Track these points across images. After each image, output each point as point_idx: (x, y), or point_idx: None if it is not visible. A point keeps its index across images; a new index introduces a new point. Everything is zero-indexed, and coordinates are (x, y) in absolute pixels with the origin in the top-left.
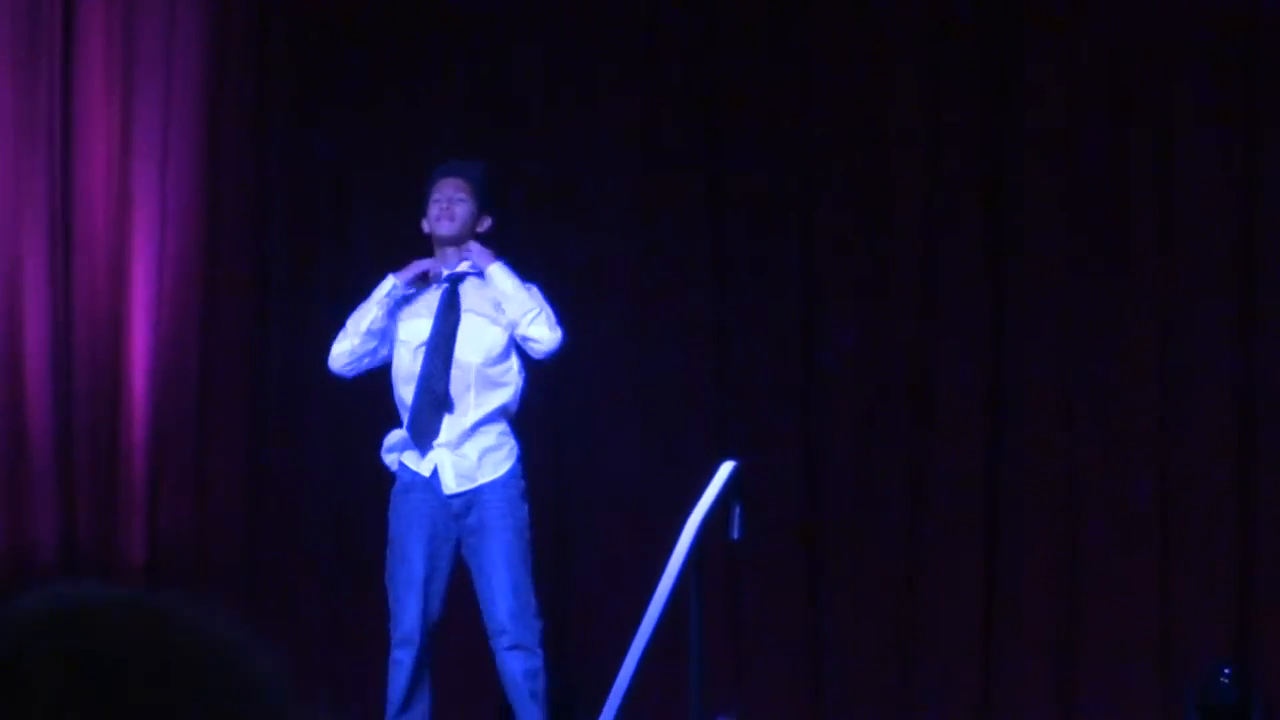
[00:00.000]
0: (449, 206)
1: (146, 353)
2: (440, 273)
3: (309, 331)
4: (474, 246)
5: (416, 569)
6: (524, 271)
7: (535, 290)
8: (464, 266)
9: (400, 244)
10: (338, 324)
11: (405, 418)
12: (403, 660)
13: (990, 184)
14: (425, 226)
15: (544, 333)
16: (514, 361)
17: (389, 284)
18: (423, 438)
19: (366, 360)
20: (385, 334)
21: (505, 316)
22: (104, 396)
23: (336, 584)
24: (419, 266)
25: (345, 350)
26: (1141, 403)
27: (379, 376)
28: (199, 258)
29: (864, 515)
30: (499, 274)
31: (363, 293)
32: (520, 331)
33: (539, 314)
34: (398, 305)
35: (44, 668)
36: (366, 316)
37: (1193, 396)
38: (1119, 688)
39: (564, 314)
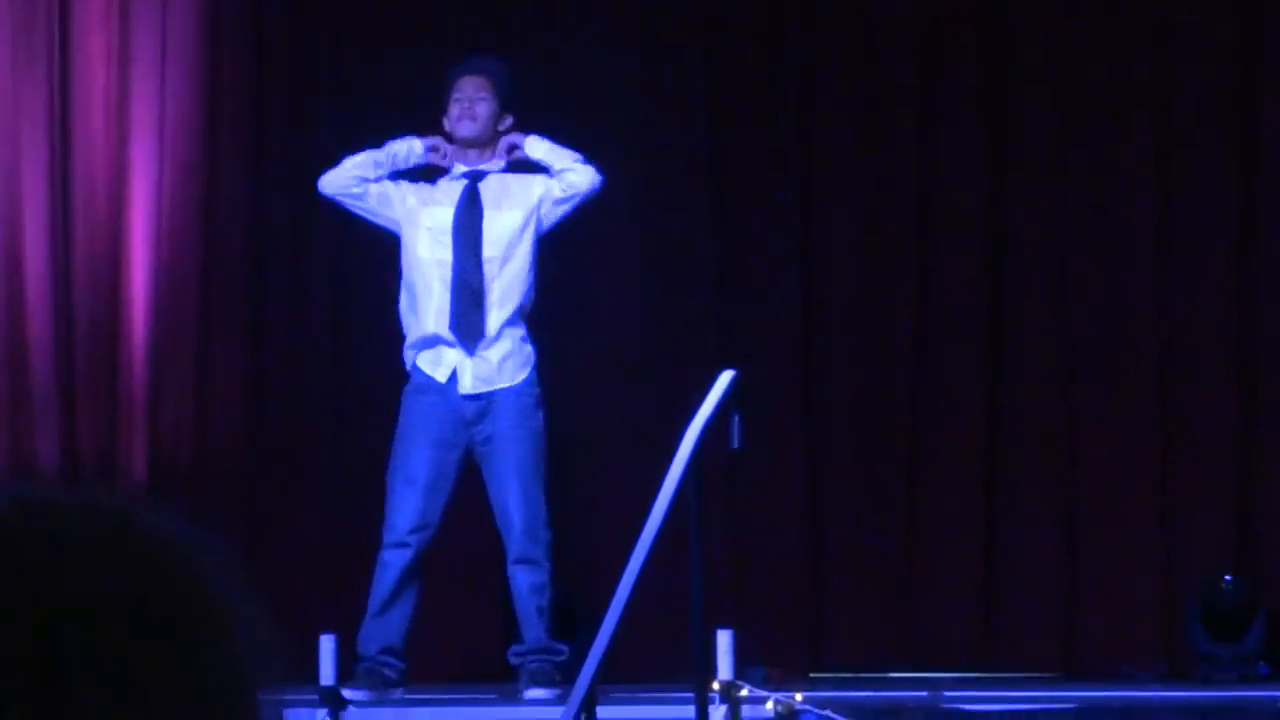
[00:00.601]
0: (470, 106)
1: (145, 263)
2: (455, 167)
3: (308, 238)
4: (503, 141)
5: (419, 472)
6: None
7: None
8: (488, 167)
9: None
10: (338, 237)
11: (415, 311)
12: (390, 562)
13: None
14: (446, 124)
15: (586, 171)
16: (530, 257)
17: (409, 145)
18: (468, 335)
19: (355, 190)
20: (380, 184)
21: (552, 170)
22: (103, 309)
23: (336, 491)
24: (443, 145)
25: (333, 177)
26: (1141, 315)
27: (377, 289)
28: (198, 162)
29: (863, 423)
30: (535, 143)
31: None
32: (576, 178)
33: (581, 159)
34: (411, 179)
35: None
36: (368, 156)
37: (1194, 311)
38: (1122, 595)
39: (568, 238)
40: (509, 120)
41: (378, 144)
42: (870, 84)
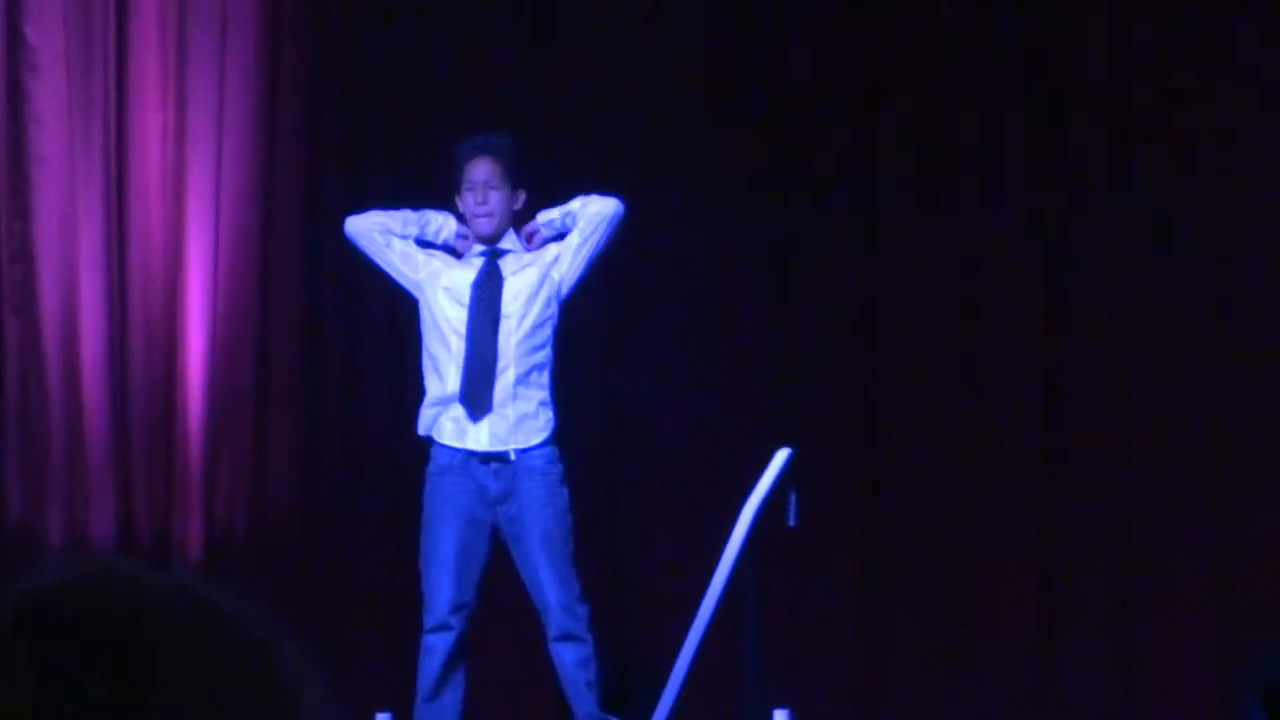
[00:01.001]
0: (484, 199)
1: (201, 338)
2: (474, 247)
3: (364, 320)
4: (521, 237)
5: (448, 552)
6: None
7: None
8: (506, 244)
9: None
10: (391, 309)
11: (438, 371)
12: (434, 646)
13: (1043, 182)
14: (458, 204)
15: (606, 203)
16: (547, 318)
17: (445, 222)
18: (476, 404)
19: (369, 246)
20: (404, 241)
21: (573, 224)
22: (158, 384)
23: (392, 570)
24: (471, 240)
25: (361, 221)
26: (1197, 387)
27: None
28: (253, 237)
29: (920, 501)
30: (545, 214)
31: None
32: (589, 211)
33: (588, 197)
34: (430, 244)
35: (52, 635)
36: (400, 214)
37: (1246, 388)
38: (1179, 688)
39: (619, 299)
40: (522, 198)
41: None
42: (930, 183)
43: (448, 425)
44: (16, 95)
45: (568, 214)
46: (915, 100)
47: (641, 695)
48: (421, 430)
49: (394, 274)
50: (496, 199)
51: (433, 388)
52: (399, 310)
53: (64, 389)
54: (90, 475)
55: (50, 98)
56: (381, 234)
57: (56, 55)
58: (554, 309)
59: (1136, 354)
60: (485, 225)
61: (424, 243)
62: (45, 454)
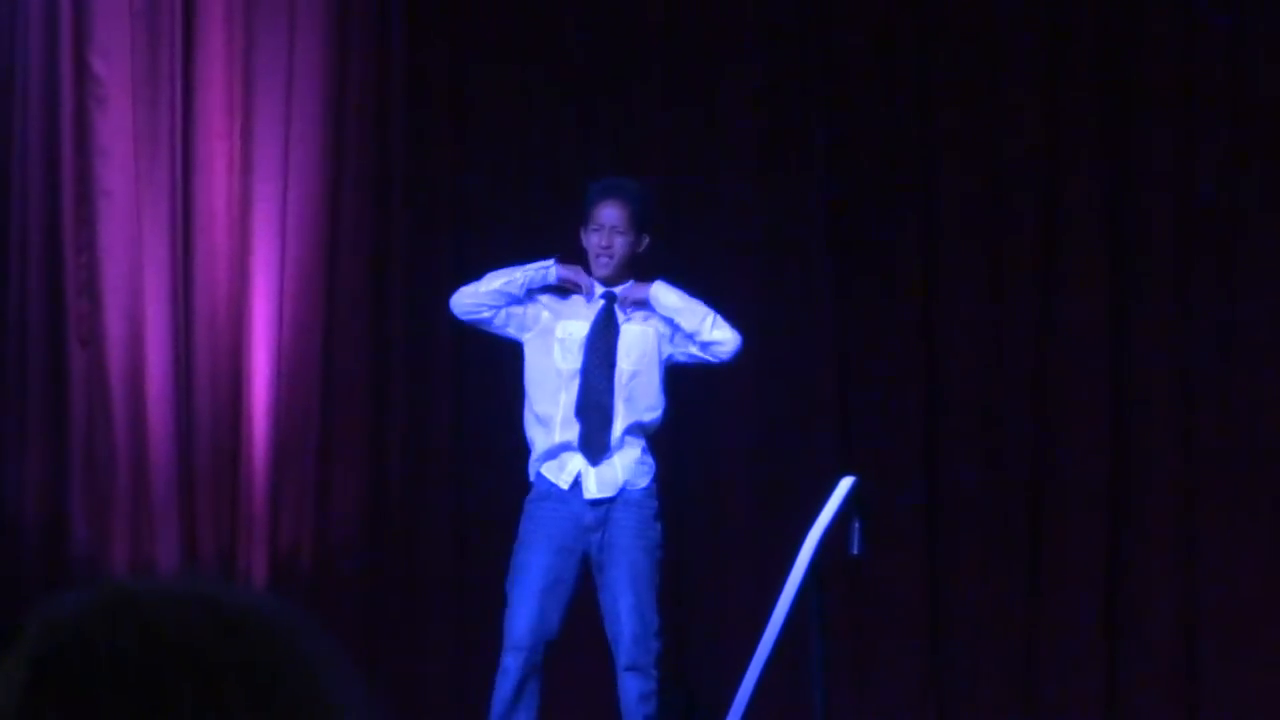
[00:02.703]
0: (609, 243)
1: (266, 371)
2: (594, 288)
3: (429, 347)
4: (628, 293)
5: (536, 578)
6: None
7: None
8: (621, 289)
9: (517, 253)
10: (458, 337)
11: (550, 417)
12: (510, 668)
13: (1110, 205)
14: (583, 238)
15: (726, 334)
16: (660, 372)
17: (545, 271)
18: (593, 451)
19: (485, 314)
20: (512, 306)
21: (683, 330)
22: (224, 416)
23: (458, 599)
24: (581, 276)
25: (469, 296)
26: (1267, 428)
27: (497, 396)
28: (319, 270)
29: (984, 528)
30: (663, 292)
31: None
32: (702, 338)
33: (715, 317)
34: (543, 291)
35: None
36: (505, 278)
37: None
38: (1247, 705)
39: None
40: (646, 241)
41: (493, 247)
42: (992, 208)
43: (551, 467)
44: (83, 128)
45: (690, 312)
46: (973, 114)
47: None
48: (531, 478)
49: (508, 337)
50: (621, 243)
51: (538, 441)
52: (466, 339)
53: (129, 421)
54: (155, 506)
55: (116, 130)
56: (490, 308)
57: (123, 87)
58: (663, 368)
59: (1203, 380)
60: (605, 268)
61: (530, 290)
62: (111, 485)
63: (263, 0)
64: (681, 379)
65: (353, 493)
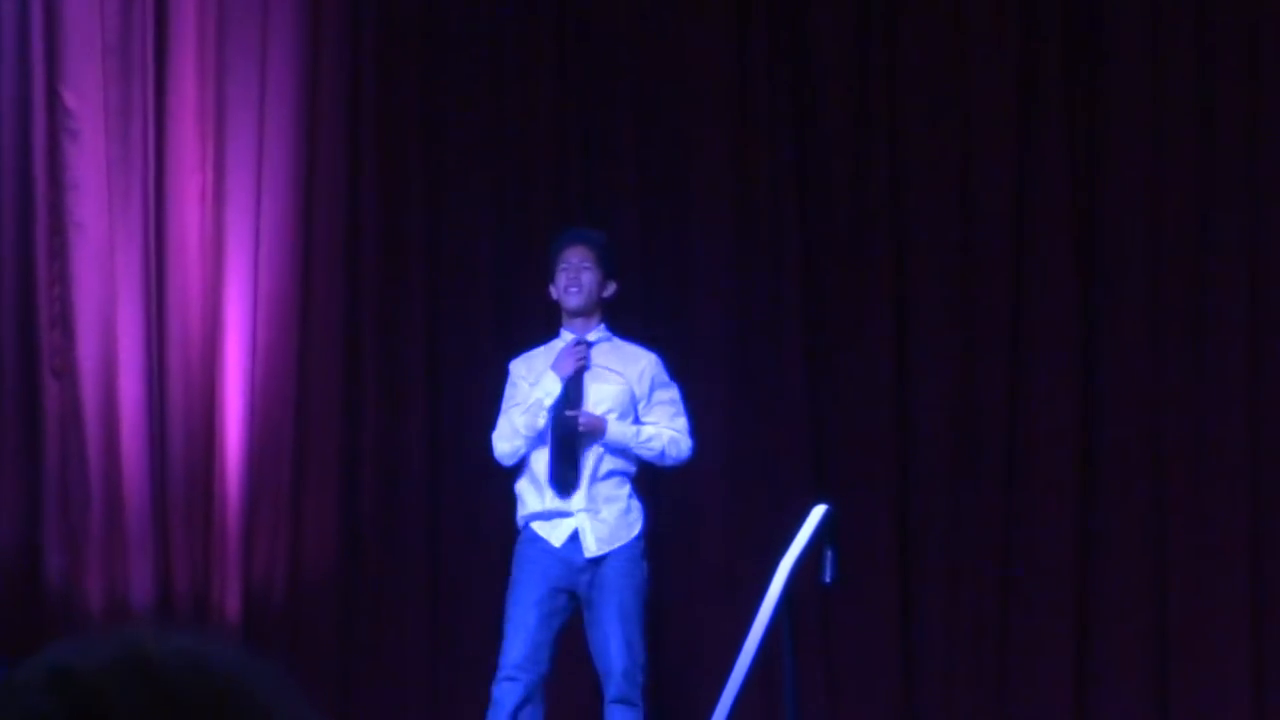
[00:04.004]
0: (577, 275)
1: (240, 403)
2: (563, 335)
3: (403, 378)
4: (584, 416)
5: (528, 617)
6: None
7: (663, 408)
8: (594, 335)
9: (494, 274)
10: (430, 368)
11: (533, 471)
12: (499, 700)
13: (1080, 216)
14: (553, 294)
15: (673, 461)
16: (633, 420)
17: (550, 386)
18: (565, 487)
19: (522, 451)
20: (523, 423)
21: (640, 452)
22: (198, 449)
23: (432, 629)
24: (569, 362)
25: (510, 451)
26: (1232, 445)
27: (473, 421)
28: (292, 308)
29: (956, 555)
30: (614, 431)
31: (456, 335)
32: (660, 466)
33: (664, 449)
34: (524, 359)
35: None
36: (530, 418)
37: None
38: (1216, 706)
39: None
40: (612, 287)
41: (467, 276)
42: (963, 214)
43: (543, 525)
44: (55, 160)
45: (642, 449)
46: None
47: None
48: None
49: None
50: (589, 278)
51: (529, 503)
52: (440, 372)
53: (103, 452)
54: (129, 537)
55: (89, 162)
56: (525, 440)
57: (95, 120)
58: (635, 417)
59: (1171, 384)
60: (575, 297)
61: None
62: (85, 517)
63: (234, 34)
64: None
65: (327, 523)
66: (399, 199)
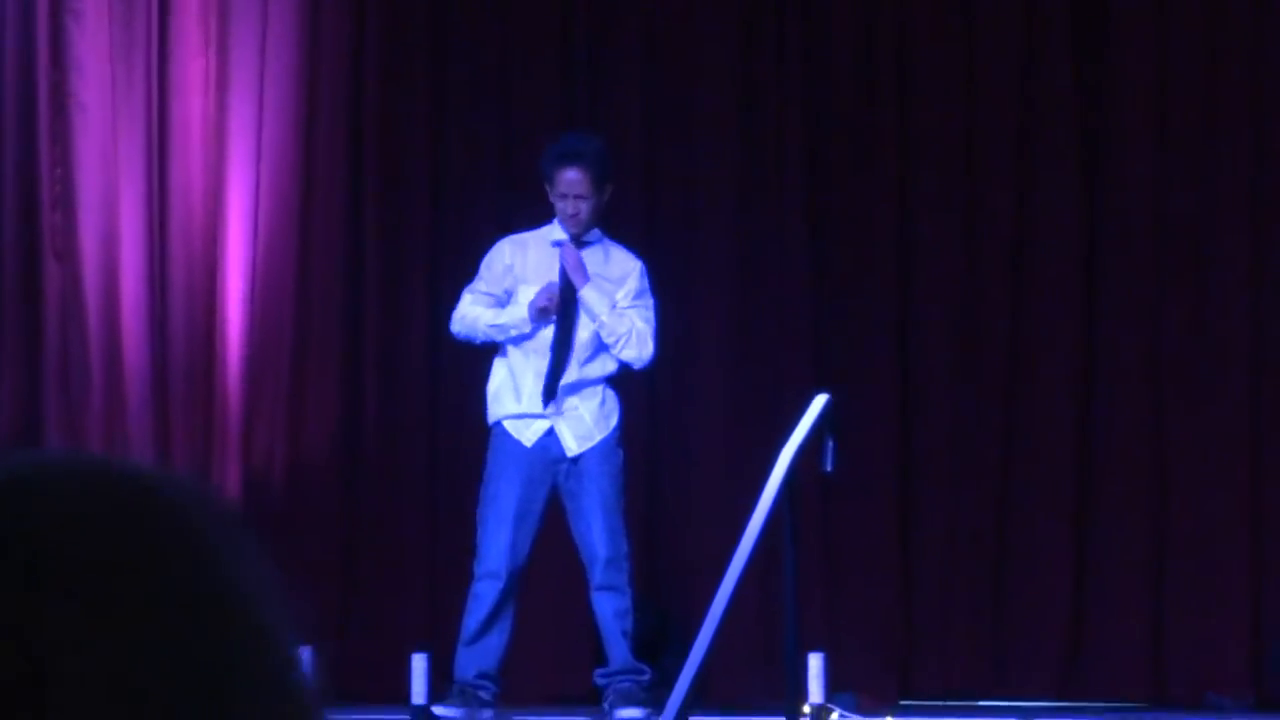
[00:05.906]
0: (575, 210)
1: (241, 285)
2: (554, 234)
3: (404, 259)
4: (572, 261)
5: (506, 510)
6: (628, 233)
7: (637, 309)
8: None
9: (494, 185)
10: (431, 258)
11: (520, 380)
12: (482, 594)
13: (1083, 136)
14: (552, 200)
15: (631, 355)
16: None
17: (522, 318)
18: (554, 398)
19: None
20: (494, 313)
21: (602, 333)
22: (198, 330)
23: (429, 514)
24: (542, 302)
25: (462, 335)
26: (1233, 343)
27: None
28: (293, 186)
29: (956, 450)
30: (590, 297)
31: (455, 230)
32: (614, 352)
33: (627, 340)
34: (510, 244)
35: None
36: (495, 329)
37: None
38: (1210, 626)
39: (665, 257)
40: (609, 190)
41: (469, 185)
42: (966, 132)
43: (515, 425)
44: (58, 41)
45: (605, 328)
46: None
47: (679, 641)
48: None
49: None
50: (586, 206)
51: (505, 403)
52: (440, 255)
53: (104, 333)
54: (129, 418)
55: (91, 44)
56: (493, 328)
57: (99, 1)
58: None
59: (1172, 297)
60: (575, 226)
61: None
62: (85, 397)
63: None
64: (657, 296)
65: (327, 404)
66: (403, 84)
